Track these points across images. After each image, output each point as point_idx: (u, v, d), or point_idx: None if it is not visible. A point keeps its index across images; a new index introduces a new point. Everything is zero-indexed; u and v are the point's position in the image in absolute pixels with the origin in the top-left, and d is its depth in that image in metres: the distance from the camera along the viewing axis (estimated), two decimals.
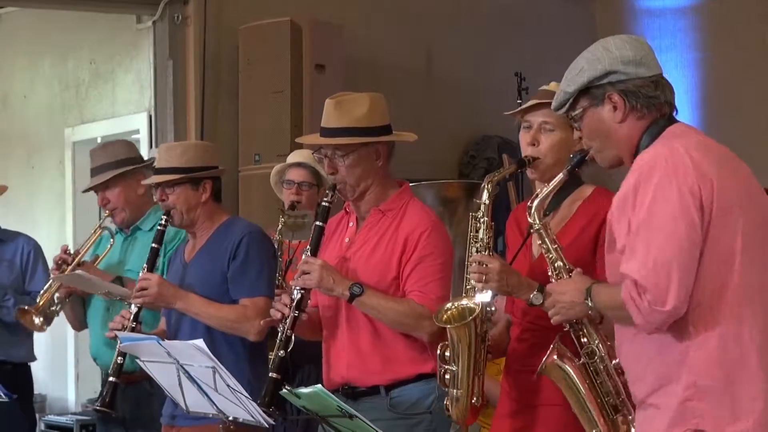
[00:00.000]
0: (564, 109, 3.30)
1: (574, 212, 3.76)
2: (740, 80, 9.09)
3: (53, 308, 5.54)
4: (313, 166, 5.68)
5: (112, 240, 5.41)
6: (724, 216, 3.06)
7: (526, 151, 3.80)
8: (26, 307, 5.58)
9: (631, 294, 3.05)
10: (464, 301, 3.71)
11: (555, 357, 3.46)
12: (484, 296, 3.68)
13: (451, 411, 3.73)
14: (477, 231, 3.71)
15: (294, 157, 5.82)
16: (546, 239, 3.47)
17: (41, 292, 5.57)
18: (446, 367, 3.71)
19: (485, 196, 3.72)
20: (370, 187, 4.18)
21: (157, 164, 4.79)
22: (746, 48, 8.81)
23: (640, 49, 3.24)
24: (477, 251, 3.69)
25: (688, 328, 3.06)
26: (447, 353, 3.71)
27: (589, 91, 3.24)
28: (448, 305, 3.73)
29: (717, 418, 3.04)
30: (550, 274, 3.45)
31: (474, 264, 3.65)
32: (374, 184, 4.18)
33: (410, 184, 4.36)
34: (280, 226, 5.41)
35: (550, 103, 3.75)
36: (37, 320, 5.57)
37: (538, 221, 3.49)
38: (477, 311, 3.66)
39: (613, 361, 3.39)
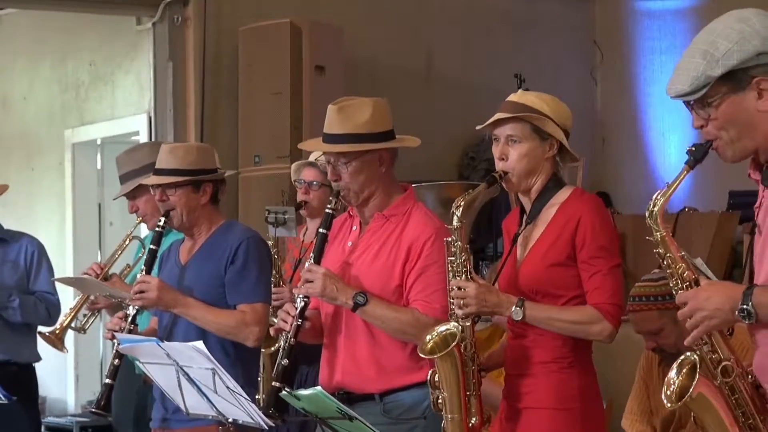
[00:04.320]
0: (699, 95, 2.90)
1: (553, 216, 3.77)
2: None
3: (81, 325, 5.56)
4: (320, 165, 5.68)
5: (143, 249, 5.42)
6: None
7: (497, 165, 3.81)
8: (47, 333, 5.60)
9: None
10: (442, 327, 3.71)
11: (703, 388, 2.99)
12: (466, 321, 3.71)
13: None
14: (453, 255, 3.72)
15: (310, 156, 5.81)
16: (671, 247, 3.05)
17: (65, 314, 5.58)
18: (437, 392, 3.72)
19: (455, 221, 3.73)
20: (374, 193, 4.15)
21: (157, 165, 4.77)
22: None
23: None
24: (454, 276, 3.72)
25: None
26: (437, 378, 3.72)
27: (732, 74, 2.87)
28: (429, 336, 3.73)
29: None
30: (673, 284, 3.04)
31: (453, 290, 3.69)
32: (378, 190, 4.15)
33: (411, 186, 4.35)
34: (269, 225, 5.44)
35: (514, 117, 3.76)
36: (59, 342, 5.60)
37: (661, 229, 3.05)
38: (458, 337, 3.66)
39: (750, 378, 3.00)
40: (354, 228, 4.25)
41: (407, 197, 4.21)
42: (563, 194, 3.80)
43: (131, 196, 5.37)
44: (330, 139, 4.12)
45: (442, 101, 9.07)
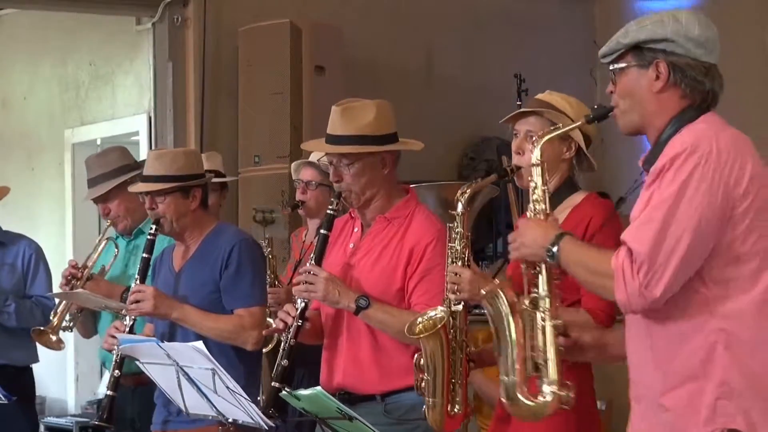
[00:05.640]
0: (610, 59, 3.17)
1: (564, 219, 3.75)
2: (739, 83, 9.07)
3: (68, 324, 5.56)
4: (322, 166, 5.67)
5: (116, 250, 5.42)
6: (761, 213, 2.93)
7: (513, 158, 3.82)
8: (42, 328, 5.59)
9: (623, 264, 2.90)
10: (431, 312, 3.72)
11: (501, 288, 3.26)
12: (458, 307, 3.70)
13: (428, 418, 3.73)
14: (453, 242, 3.72)
15: (310, 156, 5.81)
16: (542, 175, 3.25)
17: (55, 310, 5.57)
18: (421, 375, 3.72)
19: (459, 207, 3.73)
20: (375, 195, 4.16)
21: (145, 172, 4.75)
22: (745, 51, 8.79)
23: (707, 31, 3.08)
24: (452, 262, 3.71)
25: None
26: (422, 362, 3.71)
27: (640, 50, 3.11)
28: (419, 318, 3.73)
29: (749, 417, 2.89)
30: (528, 212, 3.27)
31: (449, 275, 3.69)
32: (380, 192, 4.16)
33: (411, 186, 4.35)
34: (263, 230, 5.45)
35: (535, 112, 3.77)
36: (54, 338, 5.58)
37: (539, 155, 3.25)
38: (445, 320, 3.66)
39: (554, 321, 3.16)
40: (356, 230, 4.25)
41: (409, 200, 4.21)
42: (576, 198, 3.81)
43: (102, 199, 5.36)
44: (333, 140, 4.13)
45: (442, 101, 9.07)
